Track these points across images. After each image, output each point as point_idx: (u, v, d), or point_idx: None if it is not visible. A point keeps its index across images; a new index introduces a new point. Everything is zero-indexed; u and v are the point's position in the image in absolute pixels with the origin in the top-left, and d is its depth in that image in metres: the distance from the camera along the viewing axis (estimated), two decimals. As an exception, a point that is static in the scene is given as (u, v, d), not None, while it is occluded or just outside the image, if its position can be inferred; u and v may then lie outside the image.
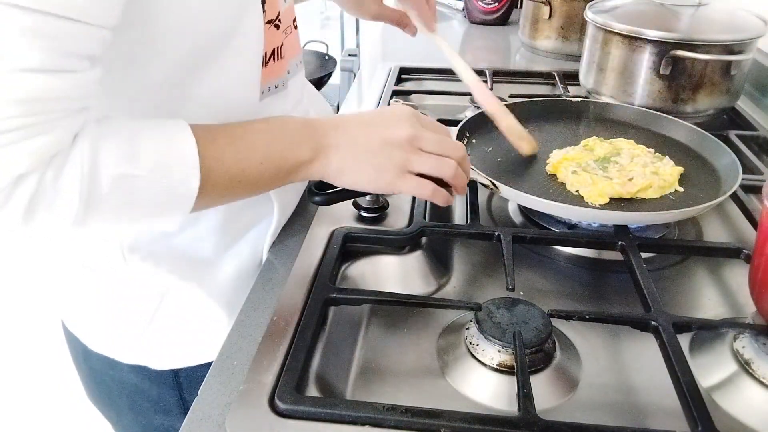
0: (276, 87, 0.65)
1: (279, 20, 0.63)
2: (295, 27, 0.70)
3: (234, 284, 0.66)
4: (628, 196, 0.69)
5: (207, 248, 0.65)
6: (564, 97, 0.98)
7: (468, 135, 0.80)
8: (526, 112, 0.87)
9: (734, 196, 0.74)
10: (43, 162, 0.43)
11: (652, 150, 0.77)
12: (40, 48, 0.41)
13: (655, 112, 0.87)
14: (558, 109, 0.89)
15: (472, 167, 0.68)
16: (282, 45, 0.65)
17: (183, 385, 0.69)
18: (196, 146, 0.49)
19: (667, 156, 0.76)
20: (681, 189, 0.71)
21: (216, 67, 0.56)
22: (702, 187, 0.72)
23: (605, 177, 0.71)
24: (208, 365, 0.52)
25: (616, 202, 0.69)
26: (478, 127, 0.81)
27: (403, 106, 0.60)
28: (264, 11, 0.58)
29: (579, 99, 0.91)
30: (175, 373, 0.68)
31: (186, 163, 0.49)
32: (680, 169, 0.73)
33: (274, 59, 0.63)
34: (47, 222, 0.45)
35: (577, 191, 0.70)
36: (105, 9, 0.44)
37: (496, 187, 0.67)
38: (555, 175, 0.74)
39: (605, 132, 0.84)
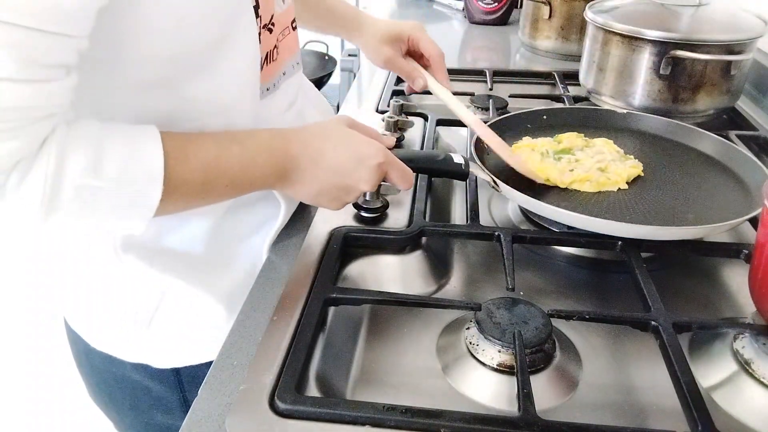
0: (267, 90, 0.65)
1: (272, 24, 0.63)
2: (294, 28, 0.70)
3: (233, 284, 0.66)
4: (562, 186, 0.70)
5: (203, 249, 0.65)
6: (608, 108, 0.92)
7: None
8: (561, 119, 0.85)
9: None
10: (8, 167, 0.43)
11: (622, 150, 0.77)
12: (15, 59, 0.41)
13: (688, 126, 0.83)
14: (600, 120, 0.86)
15: (478, 163, 0.68)
16: (275, 48, 0.65)
17: (184, 383, 0.69)
18: (162, 161, 0.49)
19: (633, 156, 0.76)
20: (626, 187, 0.71)
21: (210, 71, 0.56)
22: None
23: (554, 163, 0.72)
24: (209, 364, 0.52)
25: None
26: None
27: (376, 153, 0.59)
28: (259, 16, 0.58)
29: (625, 111, 0.87)
30: (177, 372, 0.68)
31: (150, 178, 0.49)
32: (636, 172, 0.73)
33: (267, 63, 0.63)
34: (7, 222, 0.46)
35: None
36: (80, 20, 0.44)
37: (497, 184, 0.67)
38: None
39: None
